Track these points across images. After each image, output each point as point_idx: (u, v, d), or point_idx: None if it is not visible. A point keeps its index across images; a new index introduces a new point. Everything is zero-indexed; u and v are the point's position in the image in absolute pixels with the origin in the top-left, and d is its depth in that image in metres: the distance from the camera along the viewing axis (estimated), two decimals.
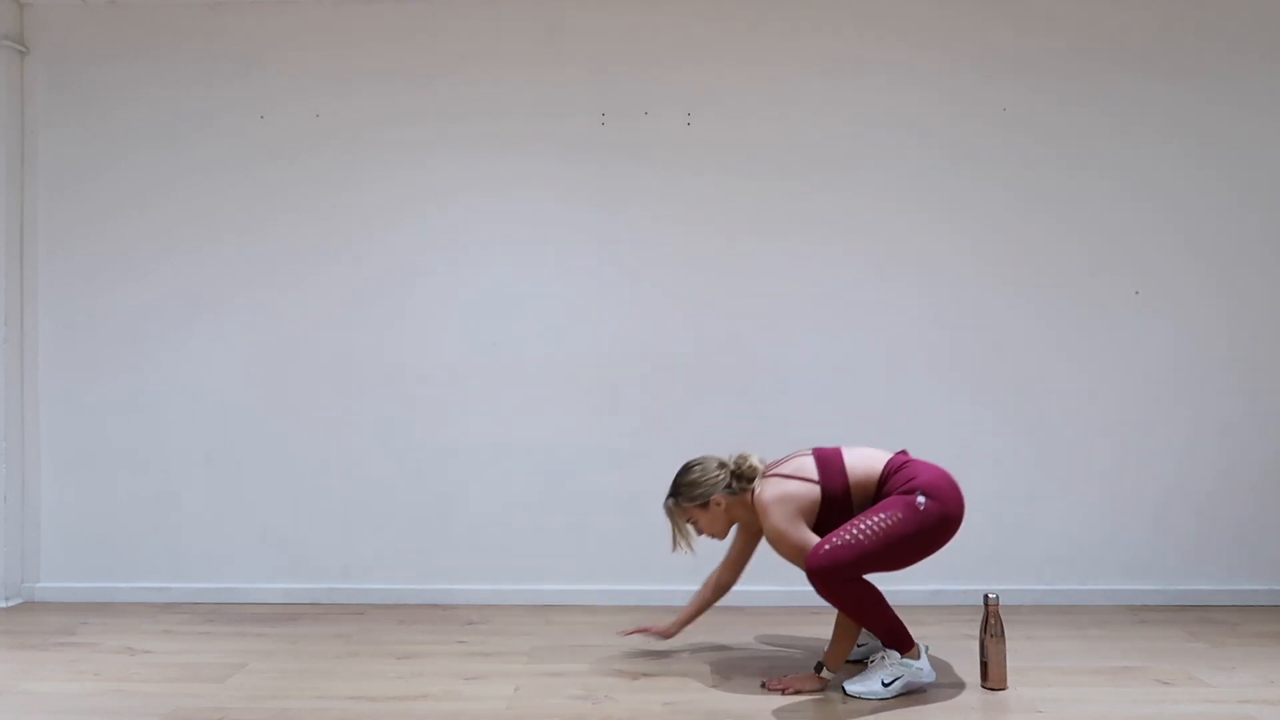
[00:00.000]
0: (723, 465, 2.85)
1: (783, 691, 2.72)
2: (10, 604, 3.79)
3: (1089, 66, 3.74)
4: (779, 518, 2.71)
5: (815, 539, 2.68)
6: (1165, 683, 2.80)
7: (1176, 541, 3.73)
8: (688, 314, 3.78)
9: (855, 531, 2.62)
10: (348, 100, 3.83)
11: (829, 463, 2.79)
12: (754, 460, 2.86)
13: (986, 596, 2.72)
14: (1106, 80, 3.74)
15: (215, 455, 3.84)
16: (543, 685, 2.81)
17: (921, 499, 2.64)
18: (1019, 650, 3.04)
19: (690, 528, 2.89)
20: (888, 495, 2.72)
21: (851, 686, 2.70)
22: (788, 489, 2.74)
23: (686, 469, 2.88)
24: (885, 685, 2.68)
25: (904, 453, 2.84)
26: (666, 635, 3.06)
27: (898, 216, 3.76)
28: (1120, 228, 3.74)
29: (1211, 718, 2.54)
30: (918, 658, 2.72)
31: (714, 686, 2.80)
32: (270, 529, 3.83)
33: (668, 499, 2.89)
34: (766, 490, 2.76)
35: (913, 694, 2.70)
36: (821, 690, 2.72)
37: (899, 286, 3.76)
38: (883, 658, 2.72)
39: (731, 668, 2.97)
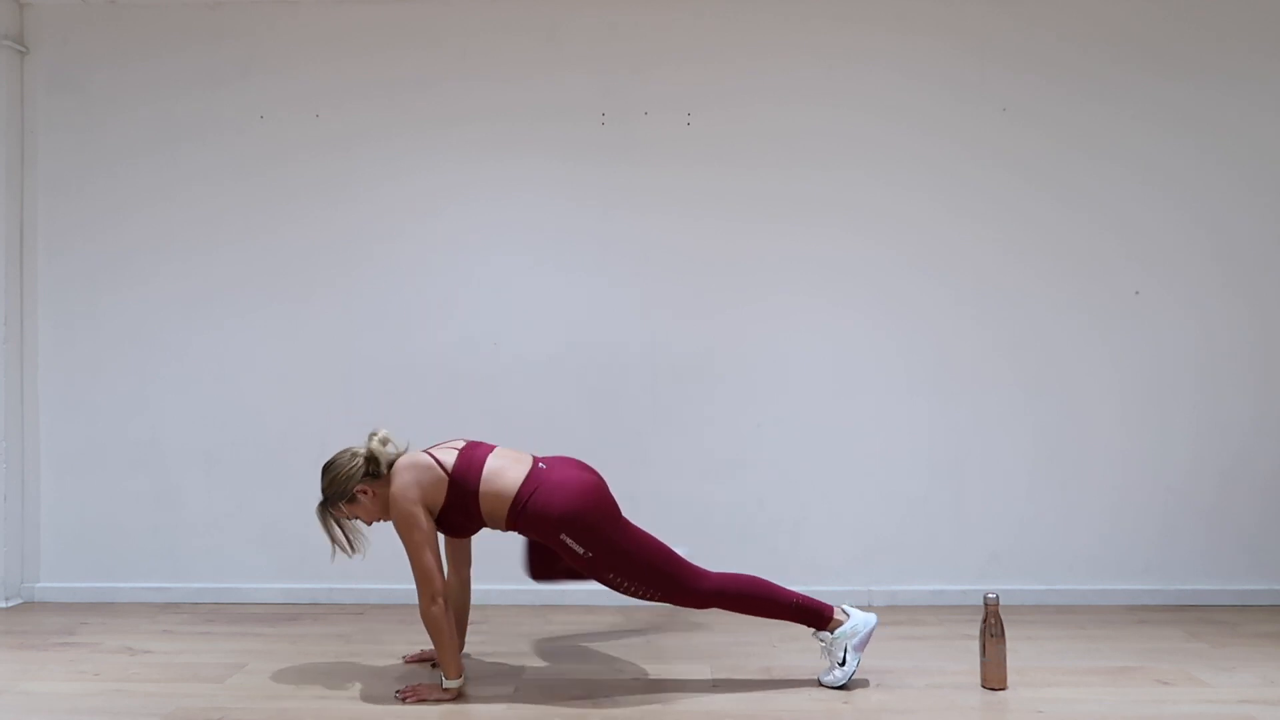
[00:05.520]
0: (355, 454, 2.74)
1: (404, 700, 2.68)
2: (10, 604, 3.79)
3: (1089, 63, 3.74)
4: (399, 483, 2.67)
5: (422, 514, 2.66)
6: (1165, 683, 2.80)
7: (1179, 542, 3.72)
8: (688, 314, 3.78)
9: (628, 584, 2.71)
10: (348, 101, 3.83)
11: (471, 458, 2.73)
12: (381, 434, 2.78)
13: (986, 596, 2.72)
14: (1112, 75, 3.74)
15: (215, 455, 3.84)
16: (543, 685, 2.81)
17: (567, 538, 2.66)
18: (1019, 650, 3.04)
19: (357, 524, 2.81)
20: (527, 528, 2.71)
21: (824, 679, 2.77)
22: (419, 460, 2.72)
23: (324, 470, 2.76)
24: (842, 665, 2.75)
25: (538, 467, 2.76)
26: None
27: (901, 213, 3.76)
28: (1124, 228, 3.74)
29: (1211, 718, 2.54)
30: (846, 617, 2.77)
31: (714, 686, 2.80)
32: (270, 529, 3.83)
33: (317, 507, 2.78)
34: (400, 460, 2.73)
35: (913, 689, 2.71)
36: (453, 699, 2.68)
37: (901, 284, 3.76)
38: (822, 644, 2.79)
39: (732, 668, 2.96)
